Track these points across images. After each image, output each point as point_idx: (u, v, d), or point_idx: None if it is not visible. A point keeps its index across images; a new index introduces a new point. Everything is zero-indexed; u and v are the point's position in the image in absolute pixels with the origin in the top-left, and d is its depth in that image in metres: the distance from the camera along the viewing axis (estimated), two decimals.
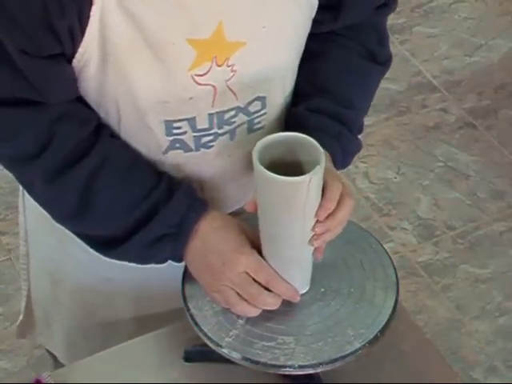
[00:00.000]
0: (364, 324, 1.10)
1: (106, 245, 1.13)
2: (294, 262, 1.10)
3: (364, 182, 2.66)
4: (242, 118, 1.15)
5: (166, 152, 1.14)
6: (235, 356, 1.07)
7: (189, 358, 1.19)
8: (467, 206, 2.59)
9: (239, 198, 1.25)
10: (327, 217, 1.05)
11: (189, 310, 1.11)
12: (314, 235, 1.06)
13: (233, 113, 1.13)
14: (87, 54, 1.04)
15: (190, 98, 1.08)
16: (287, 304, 1.12)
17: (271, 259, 1.10)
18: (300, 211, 1.03)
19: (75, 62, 1.05)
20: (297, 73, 1.20)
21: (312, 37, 1.20)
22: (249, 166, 1.18)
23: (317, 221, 1.05)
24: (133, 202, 1.10)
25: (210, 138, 1.14)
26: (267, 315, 1.10)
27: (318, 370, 1.07)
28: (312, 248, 1.09)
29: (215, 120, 1.13)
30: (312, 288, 1.14)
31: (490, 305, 2.36)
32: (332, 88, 1.20)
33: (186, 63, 1.06)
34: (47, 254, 1.36)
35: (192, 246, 1.10)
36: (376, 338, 1.09)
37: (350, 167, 2.68)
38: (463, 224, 2.55)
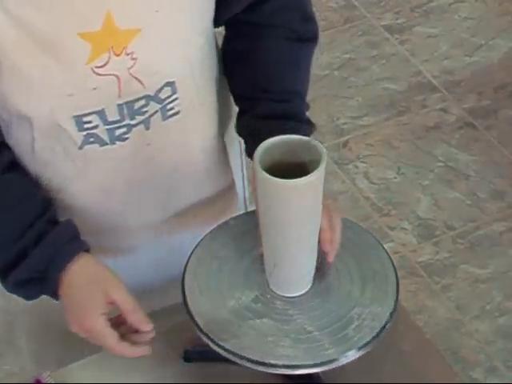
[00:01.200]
0: (381, 289, 1.13)
1: None
2: (297, 262, 1.10)
3: (364, 182, 2.66)
4: (153, 106, 1.14)
5: (81, 147, 1.14)
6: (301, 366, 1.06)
7: (189, 357, 1.19)
8: (467, 206, 2.59)
9: (169, 195, 1.25)
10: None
11: (225, 348, 1.08)
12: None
13: (143, 102, 1.13)
14: None
15: (94, 89, 1.08)
16: (306, 301, 1.13)
17: (273, 259, 1.10)
18: (304, 212, 1.03)
19: None
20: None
21: (236, 34, 1.22)
22: (171, 154, 1.19)
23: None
24: (4, 243, 1.11)
25: (124, 130, 1.14)
26: (301, 319, 1.11)
27: (370, 347, 1.08)
28: (315, 249, 1.10)
29: (125, 111, 1.12)
30: (313, 277, 1.15)
31: (489, 305, 2.35)
32: (271, 87, 1.21)
33: (83, 57, 1.05)
34: None
35: (60, 290, 1.11)
36: (398, 294, 1.12)
37: (350, 167, 2.68)
38: (463, 224, 2.54)
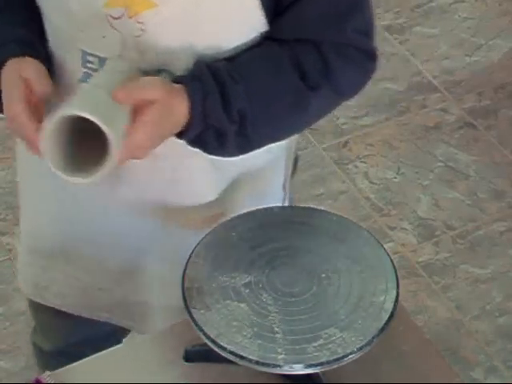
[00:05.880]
0: (381, 289, 1.13)
1: None
2: None
3: (364, 182, 2.66)
4: None
5: (79, 82, 1.15)
6: (298, 368, 1.06)
7: (189, 358, 1.19)
8: (467, 206, 2.59)
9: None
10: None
11: (225, 349, 1.08)
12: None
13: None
14: None
15: (103, 37, 1.10)
16: (306, 301, 1.12)
17: None
18: None
19: None
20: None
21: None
22: None
23: None
24: None
25: None
26: (298, 318, 1.11)
27: (373, 345, 1.08)
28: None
29: None
30: (313, 276, 1.15)
31: (489, 305, 2.35)
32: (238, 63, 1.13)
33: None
34: None
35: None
36: (398, 294, 1.12)
37: (350, 167, 2.68)
38: (463, 224, 2.54)
